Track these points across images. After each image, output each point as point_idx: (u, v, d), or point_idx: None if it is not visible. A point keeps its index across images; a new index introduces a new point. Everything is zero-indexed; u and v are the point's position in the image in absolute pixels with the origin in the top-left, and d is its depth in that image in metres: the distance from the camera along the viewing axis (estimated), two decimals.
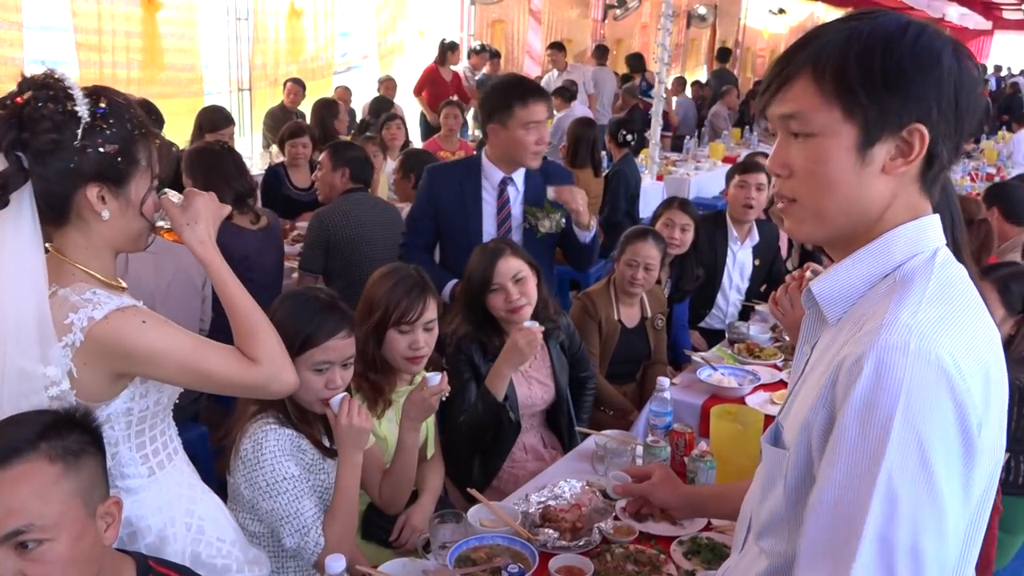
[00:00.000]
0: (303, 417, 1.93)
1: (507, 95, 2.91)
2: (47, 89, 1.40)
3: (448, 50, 8.89)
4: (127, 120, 1.46)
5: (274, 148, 6.04)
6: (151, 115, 4.06)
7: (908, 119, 0.99)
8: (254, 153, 7.08)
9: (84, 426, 1.33)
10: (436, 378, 2.10)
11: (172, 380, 1.54)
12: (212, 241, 1.58)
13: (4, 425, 1.29)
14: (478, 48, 9.68)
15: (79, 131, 1.40)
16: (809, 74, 1.02)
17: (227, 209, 1.64)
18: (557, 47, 10.16)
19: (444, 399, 2.14)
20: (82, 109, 1.40)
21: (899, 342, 0.92)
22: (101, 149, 1.42)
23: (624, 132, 5.89)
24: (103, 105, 1.43)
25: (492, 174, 2.99)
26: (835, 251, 1.11)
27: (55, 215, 1.46)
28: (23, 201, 1.40)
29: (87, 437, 1.32)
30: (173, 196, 1.60)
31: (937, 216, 1.07)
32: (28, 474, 1.22)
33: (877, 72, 0.98)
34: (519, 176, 3.01)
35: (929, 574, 0.90)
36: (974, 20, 20.90)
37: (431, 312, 2.25)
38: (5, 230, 1.40)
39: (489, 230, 2.98)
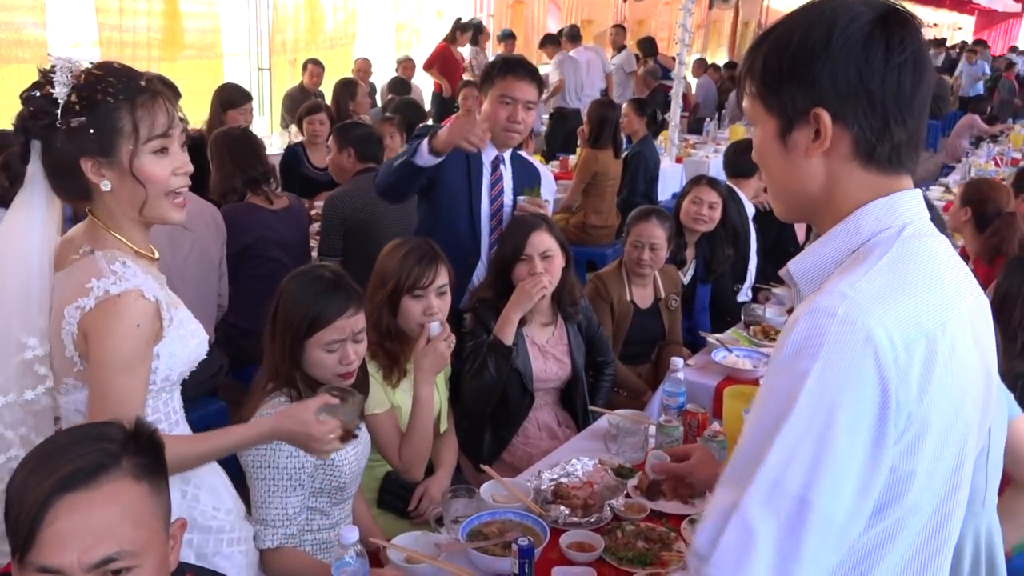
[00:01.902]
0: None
1: (496, 66, 2.86)
2: (43, 77, 1.48)
3: (460, 30, 8.76)
4: (99, 91, 1.49)
5: (293, 128, 6.04)
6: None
7: (807, 104, 1.04)
8: (272, 133, 7.09)
9: (154, 443, 1.21)
10: (436, 326, 2.17)
11: (90, 379, 1.51)
12: (270, 436, 1.70)
13: (78, 440, 1.15)
14: (476, 23, 9.22)
15: (58, 112, 1.47)
16: (747, 73, 1.11)
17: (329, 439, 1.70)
18: (568, 32, 9.83)
19: (455, 357, 2.21)
20: (59, 91, 1.47)
21: (829, 306, 0.96)
22: (74, 124, 1.47)
23: (653, 109, 5.87)
24: (77, 83, 1.49)
25: (487, 149, 2.84)
26: (817, 229, 1.15)
27: (76, 192, 1.54)
28: (35, 183, 1.50)
29: (160, 456, 1.21)
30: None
31: (917, 191, 1.09)
32: (116, 494, 1.10)
33: (776, 66, 1.06)
34: (507, 157, 2.92)
35: (813, 526, 0.94)
36: (1003, 3, 20.53)
37: (443, 278, 2.28)
38: (18, 214, 1.50)
39: (484, 207, 2.86)
